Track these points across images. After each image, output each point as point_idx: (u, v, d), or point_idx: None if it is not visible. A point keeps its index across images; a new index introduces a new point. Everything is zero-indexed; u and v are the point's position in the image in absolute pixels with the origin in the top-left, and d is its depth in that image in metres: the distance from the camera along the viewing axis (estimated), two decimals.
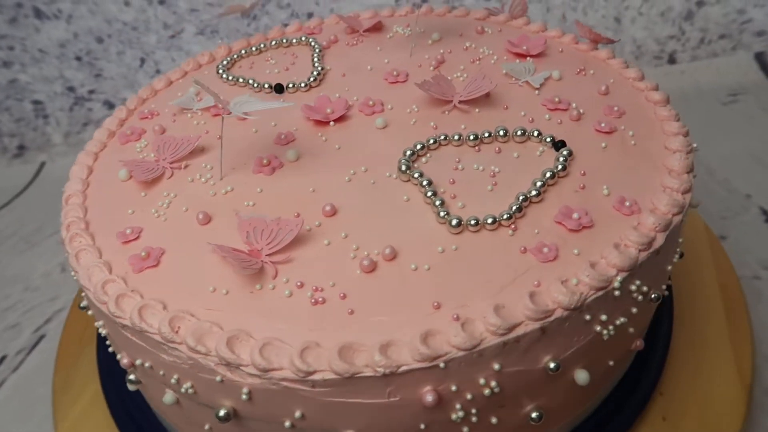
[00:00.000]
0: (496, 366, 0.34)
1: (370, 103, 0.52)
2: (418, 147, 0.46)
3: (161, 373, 0.39)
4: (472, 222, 0.39)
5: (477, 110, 0.51)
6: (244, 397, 0.35)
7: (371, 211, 0.42)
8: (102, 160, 0.53)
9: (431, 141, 0.47)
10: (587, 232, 0.39)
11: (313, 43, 0.64)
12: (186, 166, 0.48)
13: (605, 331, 0.37)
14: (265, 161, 0.47)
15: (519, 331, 0.34)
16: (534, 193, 0.41)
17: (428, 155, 0.46)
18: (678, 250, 0.46)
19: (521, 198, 0.41)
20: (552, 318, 0.34)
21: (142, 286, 0.39)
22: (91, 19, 0.89)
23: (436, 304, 0.35)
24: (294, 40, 0.65)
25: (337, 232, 0.40)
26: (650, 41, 1.02)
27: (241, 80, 0.59)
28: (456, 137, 0.47)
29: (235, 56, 0.64)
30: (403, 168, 0.44)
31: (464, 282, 0.36)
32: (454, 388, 0.34)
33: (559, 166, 0.43)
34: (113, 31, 0.92)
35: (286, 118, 0.52)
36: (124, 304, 0.39)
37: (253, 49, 0.65)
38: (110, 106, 1.00)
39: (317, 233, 0.41)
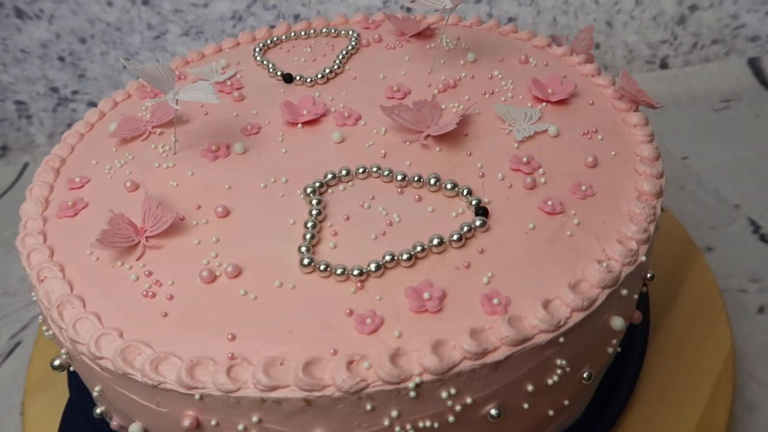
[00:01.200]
0: (255, 418, 0.33)
1: (346, 114, 0.51)
2: (343, 173, 0.44)
3: None
4: (322, 267, 0.37)
5: (438, 149, 0.47)
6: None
7: (255, 224, 0.42)
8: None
9: (360, 170, 0.45)
10: (430, 317, 0.35)
11: (353, 39, 0.63)
12: (161, 133, 0.52)
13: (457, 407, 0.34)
14: (214, 147, 0.49)
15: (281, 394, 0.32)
16: (405, 257, 0.38)
17: (351, 183, 0.45)
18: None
19: (387, 258, 0.38)
20: (322, 394, 0.32)
21: (53, 231, 0.45)
22: (73, 19, 0.89)
23: (230, 336, 0.35)
24: (342, 32, 0.65)
25: (212, 234, 0.41)
26: (642, 46, 1.01)
27: (265, 63, 0.61)
28: (386, 173, 0.44)
29: (277, 39, 0.66)
30: (308, 191, 0.43)
31: (272, 324, 0.35)
32: (213, 422, 0.34)
33: (454, 236, 0.39)
34: (96, 32, 0.91)
35: (269, 109, 0.53)
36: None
37: (303, 33, 0.66)
38: (94, 107, 1.04)
39: (198, 230, 0.42)
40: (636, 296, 0.41)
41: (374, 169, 0.45)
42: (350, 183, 0.44)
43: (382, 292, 0.36)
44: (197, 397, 0.33)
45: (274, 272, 0.38)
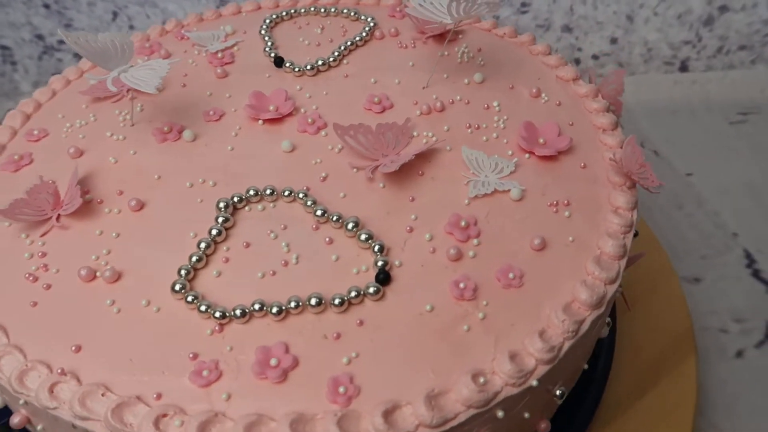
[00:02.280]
0: None
1: (310, 120, 0.47)
2: (268, 191, 0.41)
3: None
4: (189, 298, 0.35)
5: (381, 185, 0.42)
6: None
7: (157, 228, 0.40)
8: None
9: (286, 192, 0.41)
10: (269, 387, 0.32)
11: (366, 28, 0.58)
12: (133, 98, 0.51)
13: None
14: (166, 128, 0.47)
15: None
16: (275, 310, 0.35)
17: (273, 205, 0.41)
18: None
19: (257, 306, 0.35)
20: None
21: None
22: None
23: (75, 347, 0.34)
24: (362, 17, 0.60)
25: (116, 227, 0.40)
26: (662, 45, 0.94)
27: (267, 38, 0.57)
28: (309, 203, 0.40)
29: (294, 11, 0.62)
30: (220, 205, 0.40)
31: (118, 346, 0.34)
32: (39, 426, 0.34)
33: (336, 300, 0.35)
34: None
35: (241, 95, 0.50)
36: None
37: (322, 10, 0.62)
38: (80, 58, 0.98)
39: (107, 219, 0.41)
40: (527, 415, 0.35)
41: (300, 195, 0.41)
42: (272, 204, 0.41)
43: (237, 343, 0.34)
44: (21, 402, 0.33)
45: (147, 288, 0.37)
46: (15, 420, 0.34)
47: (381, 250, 0.38)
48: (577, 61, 0.98)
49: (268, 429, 0.30)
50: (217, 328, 0.34)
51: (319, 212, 0.40)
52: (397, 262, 0.38)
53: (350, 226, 0.39)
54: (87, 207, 0.42)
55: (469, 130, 0.47)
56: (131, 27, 0.92)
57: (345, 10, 0.61)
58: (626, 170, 0.43)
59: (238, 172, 0.44)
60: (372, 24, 0.59)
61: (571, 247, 0.39)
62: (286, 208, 0.41)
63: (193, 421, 0.30)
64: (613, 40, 0.95)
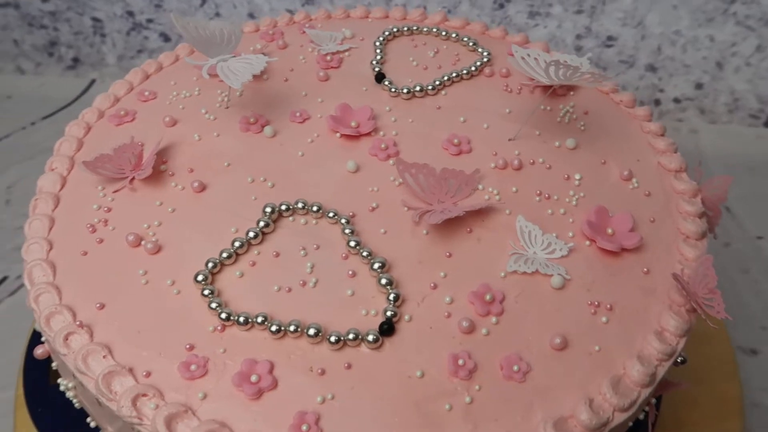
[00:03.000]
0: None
1: (384, 146, 0.47)
2: (314, 208, 0.42)
3: None
4: (206, 291, 0.37)
5: (425, 231, 0.42)
6: None
7: (207, 214, 0.42)
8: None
9: (331, 213, 0.42)
10: (246, 402, 0.33)
11: (477, 62, 0.57)
12: None
13: None
14: (252, 119, 0.50)
15: None
16: (274, 328, 0.36)
17: (315, 222, 0.42)
18: None
19: (260, 320, 0.36)
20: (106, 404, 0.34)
21: (94, 134, 0.50)
22: None
23: (99, 305, 0.38)
24: (480, 49, 0.58)
25: (174, 203, 0.43)
26: (750, 96, 0.90)
27: (378, 50, 0.58)
28: (348, 231, 0.41)
29: (416, 28, 0.61)
30: (266, 209, 0.42)
31: (134, 316, 0.37)
32: (53, 363, 0.38)
33: (332, 337, 0.35)
34: None
35: (332, 103, 0.51)
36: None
37: (443, 32, 0.61)
38: (166, 38, 0.98)
39: (170, 192, 0.44)
40: None
41: (342, 220, 0.41)
42: (314, 221, 0.42)
43: (231, 347, 0.35)
44: (44, 339, 0.37)
45: (176, 269, 0.39)
46: (38, 351, 0.39)
47: (396, 299, 0.37)
48: (657, 102, 0.94)
49: None
50: (219, 327, 0.36)
51: (352, 243, 0.40)
52: (407, 317, 0.37)
53: (376, 265, 0.39)
54: (159, 176, 0.45)
55: (538, 198, 0.45)
56: (217, 14, 0.95)
57: (465, 38, 0.60)
58: (691, 292, 0.38)
59: (298, 180, 0.45)
60: (486, 59, 0.57)
61: (593, 357, 0.36)
62: (325, 229, 0.42)
63: (164, 409, 0.32)
64: (699, 86, 0.90)
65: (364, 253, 0.40)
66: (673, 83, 0.92)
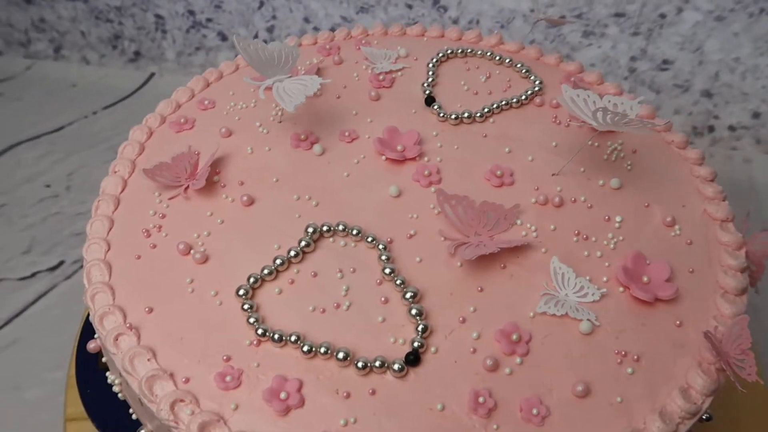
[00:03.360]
0: None
1: (426, 172, 0.49)
2: (354, 231, 0.44)
3: None
4: (246, 306, 0.39)
5: (459, 264, 0.43)
6: None
7: (254, 228, 0.45)
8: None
9: (369, 238, 0.43)
10: (274, 416, 0.35)
11: (529, 91, 0.57)
12: None
13: None
14: (303, 136, 0.51)
15: None
16: (306, 349, 0.37)
17: (354, 245, 0.44)
18: None
19: (293, 338, 0.38)
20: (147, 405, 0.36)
21: (156, 139, 0.53)
22: None
23: (148, 309, 0.40)
24: (532, 77, 0.59)
25: (224, 214, 0.45)
26: None
27: (431, 72, 0.59)
28: (384, 258, 0.42)
29: (471, 50, 0.62)
30: (309, 230, 0.44)
31: (177, 322, 0.40)
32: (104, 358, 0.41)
33: (359, 363, 0.37)
34: None
35: (380, 125, 0.52)
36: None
37: (497, 57, 0.61)
38: (223, 37, 1.00)
39: (220, 204, 0.46)
40: None
41: (380, 246, 0.43)
42: (353, 244, 0.44)
43: (264, 362, 0.38)
44: (96, 336, 0.40)
45: (221, 280, 0.41)
46: (90, 346, 0.42)
47: (424, 330, 0.39)
48: (711, 129, 0.92)
49: None
50: (255, 341, 0.38)
51: (387, 270, 0.41)
52: (433, 348, 0.38)
53: (408, 295, 0.40)
54: (211, 186, 0.48)
55: (575, 239, 0.45)
56: (274, 17, 0.98)
57: (519, 64, 0.60)
58: (722, 351, 0.38)
59: (341, 200, 0.47)
60: (537, 88, 0.57)
61: (614, 408, 0.37)
62: (363, 252, 0.43)
63: (199, 416, 0.35)
64: (756, 115, 0.87)
65: (398, 281, 0.41)
66: (729, 110, 0.90)
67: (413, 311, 0.39)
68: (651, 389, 0.38)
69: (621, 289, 0.42)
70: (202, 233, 0.45)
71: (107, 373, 0.43)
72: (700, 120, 0.91)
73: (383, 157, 0.50)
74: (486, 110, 0.55)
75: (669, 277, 0.42)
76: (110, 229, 0.46)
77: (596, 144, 0.52)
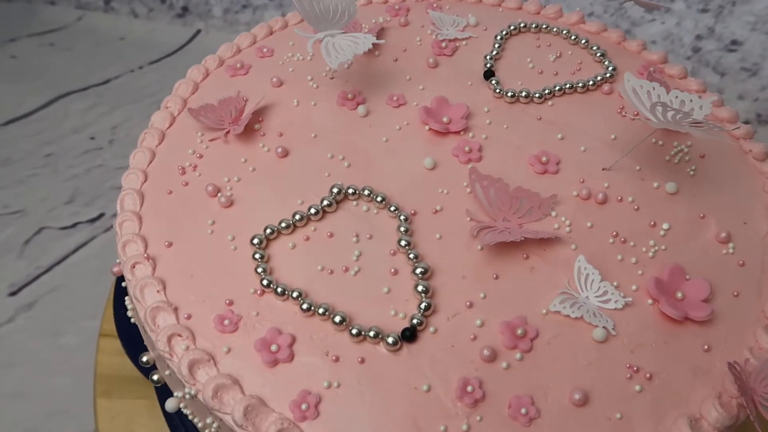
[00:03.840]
0: None
1: (467, 148, 0.47)
2: (378, 198, 0.43)
3: None
4: (257, 255, 0.40)
5: (479, 248, 0.41)
6: None
7: (283, 180, 0.45)
8: None
9: (392, 207, 0.42)
10: (273, 368, 0.36)
11: (599, 76, 0.53)
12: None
13: None
14: (350, 95, 0.51)
15: None
16: (306, 306, 0.37)
17: (376, 212, 0.43)
18: None
19: (294, 294, 0.38)
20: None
21: (211, 81, 0.54)
22: None
23: (167, 243, 0.42)
24: (606, 62, 0.54)
25: (257, 162, 0.46)
26: None
27: (497, 45, 0.56)
28: (403, 229, 0.41)
29: (546, 26, 0.58)
30: (334, 190, 0.43)
31: (195, 260, 0.41)
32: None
33: (354, 330, 0.36)
34: None
35: (431, 93, 0.51)
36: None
37: (573, 36, 0.57)
38: None
39: (256, 152, 0.47)
40: None
41: (402, 217, 0.42)
42: (375, 211, 0.43)
43: (263, 312, 0.38)
44: (118, 260, 0.42)
45: (240, 227, 0.42)
46: (114, 269, 0.44)
47: (426, 308, 0.37)
48: None
49: (229, 397, 0.35)
50: (259, 291, 0.39)
51: (403, 242, 0.40)
52: (432, 328, 0.37)
53: (418, 270, 0.39)
54: (251, 133, 0.48)
55: (612, 240, 0.42)
56: None
57: (595, 47, 0.56)
58: (747, 386, 0.35)
59: (374, 165, 0.46)
60: (609, 74, 0.53)
61: (611, 424, 0.34)
62: (384, 221, 0.43)
63: (191, 353, 0.36)
64: None
65: (411, 255, 0.40)
66: None
67: (419, 287, 0.38)
68: (657, 412, 0.35)
69: (650, 301, 0.39)
70: (233, 178, 0.45)
71: (125, 297, 0.46)
72: (767, 107, 0.83)
73: (426, 127, 0.49)
74: (547, 91, 0.51)
75: (707, 297, 0.39)
76: (150, 162, 0.47)
77: (660, 143, 0.48)
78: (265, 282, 0.39)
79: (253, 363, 0.36)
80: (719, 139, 0.42)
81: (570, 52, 0.56)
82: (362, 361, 0.36)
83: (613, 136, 0.48)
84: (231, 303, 0.38)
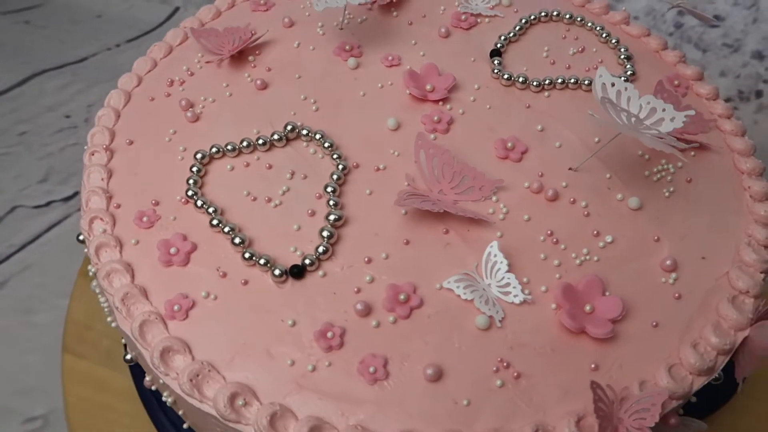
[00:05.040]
0: None
1: (436, 118, 0.46)
2: (317, 136, 0.43)
3: None
4: (195, 168, 0.42)
5: (404, 212, 0.40)
6: None
7: (253, 112, 0.46)
8: None
9: (336, 156, 0.43)
10: None
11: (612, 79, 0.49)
12: (371, 8, 0.55)
13: None
14: (348, 47, 0.51)
15: None
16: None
17: (313, 151, 0.43)
18: None
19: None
20: None
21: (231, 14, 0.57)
22: None
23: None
24: (628, 65, 0.51)
25: (237, 89, 0.48)
26: None
27: (517, 28, 0.53)
28: (336, 177, 0.41)
29: (570, 16, 0.55)
30: (288, 128, 0.44)
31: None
32: None
33: (247, 254, 0.37)
34: None
35: (429, 58, 0.50)
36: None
37: (604, 35, 0.53)
38: None
39: (240, 81, 0.49)
40: None
41: (341, 166, 0.42)
42: (321, 156, 0.44)
43: (179, 219, 0.40)
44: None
45: (194, 141, 0.44)
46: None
47: (324, 252, 0.38)
48: (759, 94, 0.82)
49: (117, 281, 0.38)
50: (183, 200, 0.41)
51: (330, 188, 0.41)
52: (321, 273, 0.38)
53: (331, 216, 0.39)
54: (243, 63, 0.50)
55: (543, 238, 0.40)
56: None
57: (623, 48, 0.52)
58: (615, 415, 0.32)
59: (340, 114, 0.46)
60: (625, 77, 0.50)
61: (455, 408, 0.33)
62: (324, 166, 0.43)
63: (102, 237, 0.39)
64: None
65: (332, 202, 0.40)
66: None
67: (325, 232, 0.39)
68: (506, 412, 0.33)
69: (554, 306, 0.37)
70: (209, 99, 0.48)
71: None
72: (748, 84, 0.82)
73: (407, 91, 0.48)
74: (547, 82, 0.49)
75: (616, 317, 0.36)
76: (150, 70, 0.51)
77: (647, 157, 0.44)
78: (190, 192, 0.41)
79: (150, 259, 0.39)
80: (671, 152, 0.38)
81: (594, 49, 0.53)
82: (245, 282, 0.37)
83: (597, 140, 0.45)
84: (156, 203, 0.41)
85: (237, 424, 0.33)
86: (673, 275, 0.38)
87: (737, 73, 0.81)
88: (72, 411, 0.50)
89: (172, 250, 0.38)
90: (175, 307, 0.36)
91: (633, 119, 0.36)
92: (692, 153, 0.45)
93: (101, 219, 0.40)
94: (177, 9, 1.04)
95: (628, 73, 0.50)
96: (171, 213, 0.41)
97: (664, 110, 0.38)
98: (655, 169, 0.44)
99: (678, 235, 0.40)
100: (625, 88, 0.39)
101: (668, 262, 0.39)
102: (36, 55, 0.93)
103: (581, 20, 0.55)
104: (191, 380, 0.34)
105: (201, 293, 0.37)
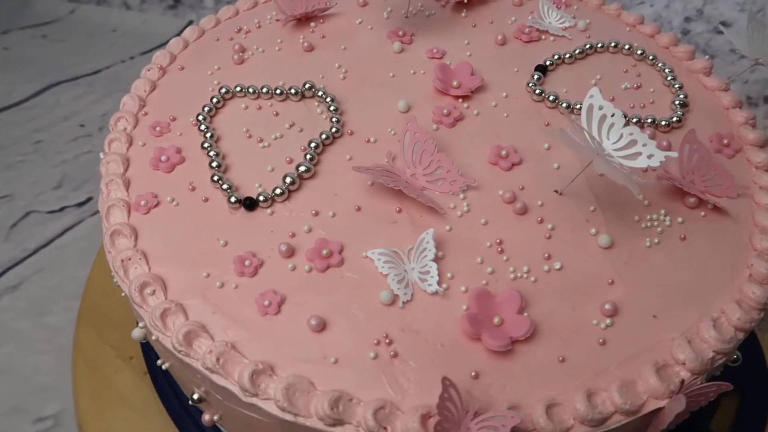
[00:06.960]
0: None
1: (446, 111, 0.46)
2: (328, 99, 0.46)
3: None
4: (202, 122, 0.47)
5: (370, 183, 0.42)
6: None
7: (285, 71, 0.50)
8: None
9: (336, 119, 0.45)
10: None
11: (663, 121, 0.46)
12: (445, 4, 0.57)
13: None
14: (401, 33, 0.53)
15: None
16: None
17: (320, 110, 0.46)
18: None
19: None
20: None
21: None
22: None
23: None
24: (677, 113, 0.47)
25: (286, 52, 0.52)
26: None
27: (578, 51, 0.52)
28: (325, 137, 0.44)
29: (641, 53, 0.52)
30: (307, 86, 0.47)
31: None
32: None
33: (225, 186, 0.41)
34: None
35: (478, 62, 0.50)
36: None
37: (666, 70, 0.49)
38: None
39: (293, 43, 0.53)
40: None
41: (333, 129, 0.44)
42: (324, 116, 0.46)
43: (184, 144, 0.45)
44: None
45: (234, 79, 0.49)
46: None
47: (280, 194, 0.41)
48: (767, 99, 0.82)
49: (111, 183, 0.43)
50: (194, 123, 0.46)
51: (313, 144, 0.43)
52: (270, 211, 0.40)
53: (301, 168, 0.42)
54: (304, 28, 0.54)
55: (489, 244, 0.39)
56: None
57: (682, 95, 0.48)
58: (462, 423, 0.31)
59: (362, 88, 0.49)
60: (665, 122, 0.46)
61: (323, 365, 0.34)
62: (323, 125, 0.45)
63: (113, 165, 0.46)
64: None
65: (309, 156, 0.43)
66: None
67: (288, 178, 0.41)
68: (369, 383, 0.33)
69: (465, 306, 0.36)
70: (260, 49, 0.53)
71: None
72: (756, 89, 0.82)
73: (434, 84, 0.49)
74: (578, 106, 0.47)
75: (518, 337, 0.34)
76: (231, 17, 0.57)
77: (647, 203, 0.41)
78: (200, 117, 0.46)
79: (143, 165, 0.44)
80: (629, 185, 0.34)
81: (652, 90, 0.49)
82: (206, 200, 0.41)
83: (601, 173, 0.42)
84: (173, 119, 0.47)
85: (139, 308, 0.37)
86: (608, 320, 0.35)
87: (745, 79, 0.80)
88: (82, 411, 0.51)
89: (163, 158, 0.44)
90: (142, 203, 0.41)
91: (595, 143, 0.34)
92: (702, 213, 0.41)
93: (125, 119, 0.47)
94: (190, 22, 1.05)
95: (674, 119, 0.46)
96: (180, 129, 0.46)
97: (645, 145, 0.35)
98: (648, 217, 0.40)
99: (639, 287, 0.37)
100: (612, 114, 0.36)
101: (607, 306, 0.36)
102: (52, 67, 0.96)
103: (652, 59, 0.52)
104: (122, 260, 0.39)
105: (167, 197, 0.42)
